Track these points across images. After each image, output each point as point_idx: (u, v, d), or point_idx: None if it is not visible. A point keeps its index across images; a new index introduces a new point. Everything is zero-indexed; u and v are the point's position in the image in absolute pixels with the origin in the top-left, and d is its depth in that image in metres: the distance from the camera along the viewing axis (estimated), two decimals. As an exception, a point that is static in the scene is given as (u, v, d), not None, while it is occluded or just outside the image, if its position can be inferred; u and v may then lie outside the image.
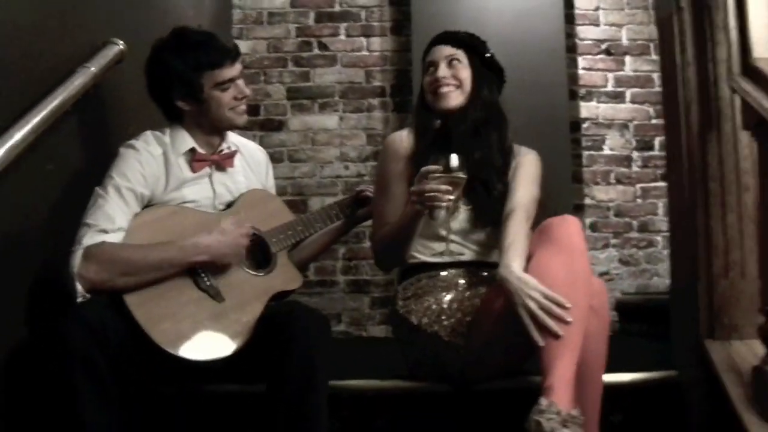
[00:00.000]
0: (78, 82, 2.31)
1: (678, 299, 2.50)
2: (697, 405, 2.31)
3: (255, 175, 2.49)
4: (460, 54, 2.44)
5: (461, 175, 2.12)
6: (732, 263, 2.25)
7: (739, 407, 2.02)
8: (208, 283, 2.15)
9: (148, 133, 2.32)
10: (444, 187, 2.10)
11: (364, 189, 2.59)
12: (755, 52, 2.15)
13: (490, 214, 2.36)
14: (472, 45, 2.47)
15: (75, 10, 2.44)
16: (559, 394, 1.85)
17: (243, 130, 4.06)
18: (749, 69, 2.14)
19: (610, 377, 2.34)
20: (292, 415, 2.02)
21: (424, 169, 2.14)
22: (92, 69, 2.38)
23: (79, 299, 2.03)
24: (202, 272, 2.16)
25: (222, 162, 2.37)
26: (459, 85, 2.42)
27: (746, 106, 2.12)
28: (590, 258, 4.12)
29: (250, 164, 2.49)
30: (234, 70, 2.32)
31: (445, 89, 2.41)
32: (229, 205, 2.35)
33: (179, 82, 2.27)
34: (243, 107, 2.35)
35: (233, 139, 2.45)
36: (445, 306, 2.28)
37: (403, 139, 2.47)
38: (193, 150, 2.32)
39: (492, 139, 2.42)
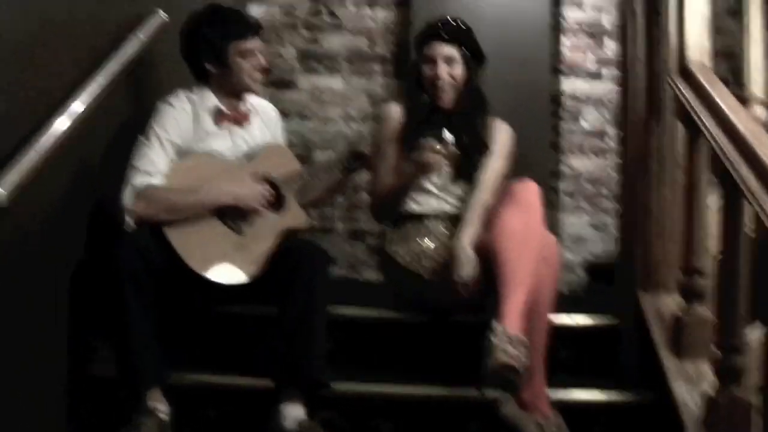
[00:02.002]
0: (130, 49, 2.61)
1: (622, 257, 2.87)
2: (630, 346, 2.69)
3: (268, 130, 2.85)
4: (456, 53, 2.76)
5: (454, 148, 2.55)
6: (664, 229, 2.63)
7: (659, 347, 2.45)
8: (231, 220, 2.57)
9: (180, 91, 2.68)
10: (437, 159, 2.54)
11: (359, 146, 2.96)
12: (689, 54, 2.50)
13: (468, 175, 2.77)
14: (466, 41, 2.79)
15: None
16: (510, 320, 2.24)
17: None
18: (683, 69, 2.50)
19: (560, 319, 2.75)
20: (296, 333, 2.41)
21: (423, 141, 2.55)
22: (141, 37, 2.69)
23: (127, 228, 2.44)
24: (227, 212, 2.56)
25: (240, 119, 2.74)
26: (454, 82, 2.77)
27: (678, 101, 2.48)
28: (564, 221, 4.57)
29: (264, 121, 2.85)
30: (255, 42, 2.70)
31: (443, 86, 2.76)
32: (248, 156, 2.72)
33: (208, 47, 2.64)
34: (259, 76, 2.72)
35: (250, 99, 2.81)
36: (425, 249, 2.69)
37: (398, 110, 2.86)
38: (217, 108, 2.69)
39: (478, 124, 2.81)
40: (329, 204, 4.53)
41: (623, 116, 2.86)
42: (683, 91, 2.45)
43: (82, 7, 2.44)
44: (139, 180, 2.48)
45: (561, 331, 2.75)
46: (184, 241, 2.46)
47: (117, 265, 2.33)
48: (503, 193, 2.58)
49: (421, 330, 2.79)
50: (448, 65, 2.77)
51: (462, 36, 2.81)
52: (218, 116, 2.69)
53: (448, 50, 2.78)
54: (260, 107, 2.87)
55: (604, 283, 4.06)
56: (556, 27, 4.68)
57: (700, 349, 2.34)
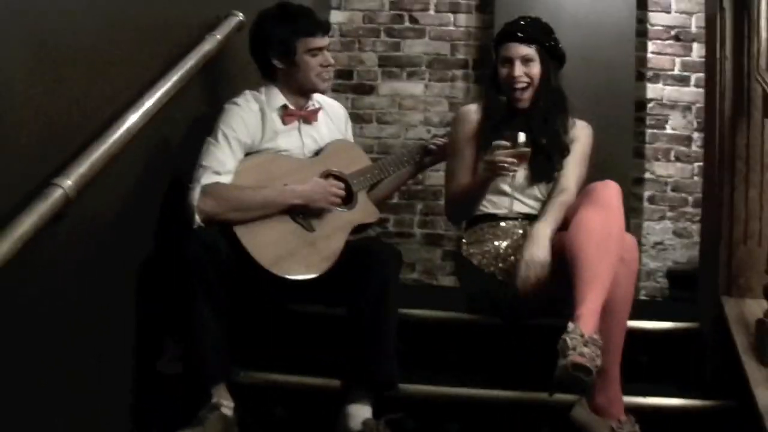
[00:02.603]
0: (206, 48, 2.66)
1: (705, 261, 2.80)
2: (712, 352, 2.60)
3: (336, 128, 2.86)
4: (533, 53, 2.73)
5: (526, 149, 2.50)
6: (751, 232, 2.56)
7: (742, 353, 2.35)
8: (302, 217, 2.57)
9: (247, 92, 2.70)
10: (511, 159, 2.49)
11: (430, 142, 2.95)
12: (779, 50, 2.44)
13: (547, 176, 2.74)
14: (543, 41, 2.76)
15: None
16: (584, 321, 2.18)
17: (336, 92, 4.50)
18: (773, 65, 2.43)
19: (641, 324, 2.72)
20: (366, 333, 2.41)
21: (495, 142, 2.52)
22: (218, 36, 2.74)
23: (195, 227, 2.45)
24: (297, 208, 2.56)
25: (308, 116, 2.76)
26: (531, 82, 2.74)
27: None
28: (647, 228, 4.49)
29: (332, 118, 2.87)
30: (324, 41, 2.71)
31: (519, 87, 2.73)
32: (317, 153, 2.74)
33: (277, 44, 2.66)
34: (327, 75, 2.74)
35: (317, 97, 2.83)
36: (501, 251, 2.65)
37: (474, 111, 2.84)
38: (284, 106, 2.70)
39: (558, 123, 2.77)
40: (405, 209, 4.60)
41: (709, 116, 2.80)
42: (772, 87, 2.37)
43: (161, 11, 2.50)
44: (207, 178, 2.49)
45: (641, 335, 2.72)
46: (254, 239, 2.47)
47: (185, 261, 2.35)
48: (583, 193, 2.54)
49: (494, 332, 2.77)
50: (525, 65, 2.75)
51: (538, 34, 2.78)
52: (286, 114, 2.71)
53: (525, 50, 2.75)
54: (328, 105, 2.88)
55: (685, 291, 4.01)
56: (642, 31, 4.60)
57: (787, 356, 2.25)
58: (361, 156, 2.87)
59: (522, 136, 2.50)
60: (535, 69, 2.75)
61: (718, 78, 2.68)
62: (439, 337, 2.81)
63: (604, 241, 2.34)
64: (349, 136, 2.94)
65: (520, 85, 2.74)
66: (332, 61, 2.74)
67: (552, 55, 2.79)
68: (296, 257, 2.52)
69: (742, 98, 2.60)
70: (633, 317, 2.61)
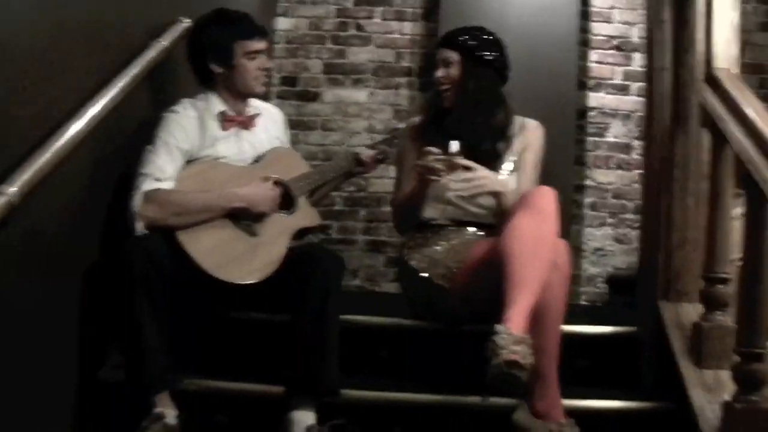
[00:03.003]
0: (152, 54, 2.65)
1: (643, 267, 2.85)
2: (649, 355, 2.67)
3: (274, 132, 2.87)
4: (454, 57, 2.80)
5: (457, 157, 2.54)
6: (687, 239, 2.61)
7: (678, 355, 2.42)
8: (244, 222, 2.56)
9: (185, 100, 2.69)
10: (438, 165, 2.54)
11: (360, 153, 3.00)
12: (716, 62, 2.49)
13: None
14: (464, 46, 2.81)
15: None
16: (514, 321, 2.19)
17: (281, 99, 4.49)
18: (710, 77, 2.49)
19: (581, 328, 2.78)
20: (308, 339, 2.41)
21: (426, 148, 2.58)
22: (163, 43, 2.73)
23: (138, 234, 2.43)
24: (239, 215, 2.55)
25: (247, 122, 2.76)
26: (451, 84, 2.81)
27: (704, 108, 2.47)
28: (587, 234, 4.56)
29: (270, 123, 2.87)
30: (261, 44, 2.72)
31: (441, 88, 2.83)
32: (257, 160, 2.74)
33: (215, 48, 2.66)
34: (264, 78, 2.75)
35: (255, 103, 2.83)
36: (438, 256, 2.70)
37: (415, 122, 2.94)
38: (223, 112, 2.70)
39: (478, 123, 2.79)
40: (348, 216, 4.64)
41: (648, 125, 2.85)
42: (709, 99, 2.44)
43: (107, 16, 2.47)
44: (147, 185, 2.48)
45: (582, 340, 2.78)
46: (197, 244, 2.46)
47: (127, 268, 2.33)
48: (518, 199, 2.56)
49: (436, 338, 2.79)
50: (446, 67, 2.83)
51: (460, 40, 2.84)
52: (225, 120, 2.71)
53: (446, 53, 2.84)
54: (265, 110, 2.89)
55: (625, 296, 4.04)
56: (585, 41, 4.69)
57: (721, 358, 2.31)
58: (301, 162, 2.90)
59: (454, 146, 2.55)
60: (454, 72, 2.82)
61: (657, 88, 2.74)
62: (381, 343, 2.82)
63: (535, 245, 2.36)
64: (286, 140, 2.95)
65: (442, 87, 2.83)
66: (270, 64, 2.77)
67: (477, 60, 2.82)
68: (239, 262, 2.51)
69: (680, 108, 2.65)
70: (573, 322, 2.71)
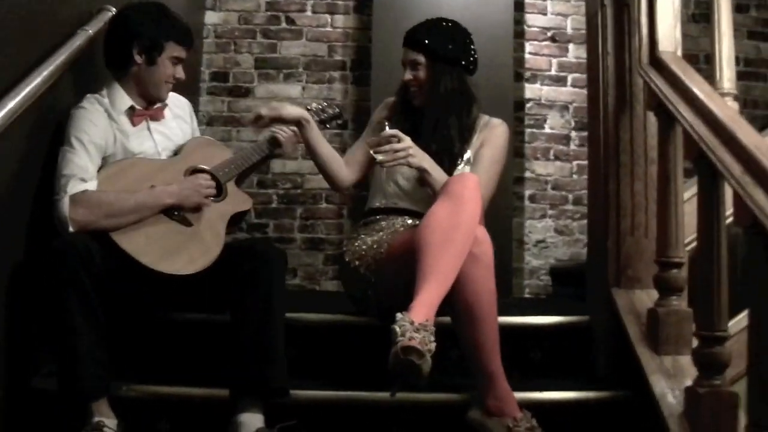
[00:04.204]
0: (77, 43, 2.56)
1: (593, 255, 2.82)
2: (604, 344, 2.63)
3: (183, 119, 2.83)
4: (420, 58, 2.78)
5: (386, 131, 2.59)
6: (637, 224, 2.59)
7: (635, 343, 2.38)
8: (177, 214, 2.49)
9: (90, 96, 2.59)
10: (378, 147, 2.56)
11: (276, 133, 2.87)
12: (661, 45, 2.47)
13: None
14: (429, 46, 2.78)
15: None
16: (416, 310, 2.12)
17: (211, 95, 4.41)
18: (655, 60, 2.47)
19: (530, 319, 2.77)
20: (254, 339, 2.33)
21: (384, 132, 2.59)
22: (90, 32, 2.63)
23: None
24: (172, 207, 2.49)
25: (155, 114, 2.69)
26: (420, 86, 2.80)
27: (650, 91, 2.44)
28: (528, 227, 4.54)
29: (178, 112, 2.81)
30: (185, 53, 2.68)
31: (411, 90, 2.81)
32: (176, 153, 2.69)
33: (146, 38, 2.57)
34: (170, 87, 2.69)
35: None
36: (365, 246, 2.66)
37: (389, 104, 2.96)
38: (132, 107, 2.62)
39: (450, 127, 2.76)
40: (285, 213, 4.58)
41: (593, 112, 2.81)
42: (655, 81, 2.41)
43: (30, 4, 2.38)
44: (73, 187, 2.38)
45: (531, 331, 2.77)
46: (132, 240, 2.38)
47: (56, 268, 2.22)
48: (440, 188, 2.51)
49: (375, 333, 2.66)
50: (414, 69, 2.81)
51: (425, 40, 2.81)
52: (135, 116, 2.64)
53: (413, 55, 2.83)
54: (171, 100, 2.82)
55: (569, 287, 4.08)
56: (520, 32, 4.68)
57: (679, 343, 2.29)
58: (221, 149, 2.87)
59: (386, 130, 2.60)
60: (422, 74, 2.80)
61: (600, 74, 2.71)
62: (326, 340, 2.76)
63: (447, 232, 2.29)
64: (195, 126, 2.91)
65: (412, 89, 2.82)
66: (183, 76, 2.70)
67: (444, 59, 2.79)
68: (179, 252, 2.44)
69: (625, 93, 2.64)
70: (519, 314, 2.73)
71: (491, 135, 2.83)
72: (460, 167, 2.74)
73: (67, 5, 2.66)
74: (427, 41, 2.79)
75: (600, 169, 2.72)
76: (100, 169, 2.50)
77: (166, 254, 2.41)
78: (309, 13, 4.76)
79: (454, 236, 2.29)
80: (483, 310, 2.34)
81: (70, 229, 2.33)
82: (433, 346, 2.07)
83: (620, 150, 2.63)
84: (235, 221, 2.69)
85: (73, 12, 2.68)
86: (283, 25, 4.75)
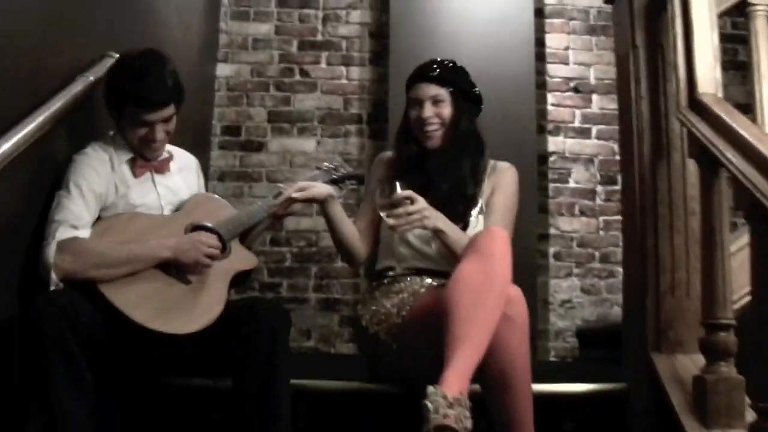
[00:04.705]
0: (77, 89, 2.44)
1: (629, 316, 2.61)
2: (644, 414, 2.40)
3: (189, 175, 2.67)
4: (444, 93, 2.59)
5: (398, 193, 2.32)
6: (678, 282, 2.38)
7: (680, 414, 2.15)
8: (175, 270, 2.31)
9: (94, 143, 2.47)
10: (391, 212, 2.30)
11: (281, 190, 2.66)
12: (700, 87, 2.27)
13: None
14: (454, 82, 2.62)
15: (76, 27, 2.58)
16: (449, 382, 1.90)
17: (223, 150, 4.28)
18: (695, 102, 2.27)
19: (562, 387, 2.57)
20: (256, 410, 2.14)
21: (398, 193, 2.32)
22: (90, 78, 2.52)
23: (53, 287, 2.14)
24: (170, 263, 2.30)
25: (160, 166, 2.54)
26: (442, 124, 2.59)
27: (692, 136, 2.26)
28: (553, 286, 4.35)
29: (183, 166, 2.66)
30: (154, 115, 2.41)
31: (430, 129, 2.59)
32: (178, 208, 2.53)
33: (108, 98, 2.44)
34: (159, 146, 2.49)
35: (168, 147, 2.60)
36: (384, 310, 2.44)
37: (387, 158, 2.72)
38: (133, 158, 2.48)
39: (464, 168, 2.58)
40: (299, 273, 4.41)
41: (626, 161, 2.63)
42: (697, 125, 2.22)
43: (32, 51, 2.29)
44: (62, 233, 2.22)
45: (563, 400, 2.56)
46: (124, 295, 2.19)
47: (38, 328, 2.01)
48: (467, 245, 2.29)
49: (398, 401, 2.50)
50: (435, 106, 2.60)
51: (449, 75, 2.64)
52: (137, 166, 2.49)
53: (435, 90, 2.61)
54: (178, 155, 2.67)
55: (597, 350, 3.93)
56: (541, 83, 4.59)
57: (731, 415, 2.05)
58: (225, 206, 2.68)
59: (398, 191, 2.33)
60: (446, 110, 2.60)
61: (634, 119, 2.54)
62: (339, 409, 2.55)
63: (479, 293, 2.08)
64: (201, 185, 2.75)
65: (431, 128, 2.59)
66: (160, 137, 2.45)
67: (465, 97, 2.64)
68: (177, 310, 2.25)
69: (661, 139, 2.47)
70: (547, 380, 2.51)
71: (501, 180, 2.66)
72: (473, 217, 2.55)
73: (71, 51, 2.56)
74: (451, 77, 2.63)
75: (636, 223, 2.53)
76: (97, 220, 2.35)
77: (162, 312, 2.22)
78: (323, 65, 4.70)
79: (487, 297, 2.08)
80: (518, 379, 2.13)
81: (53, 276, 2.15)
82: (469, 423, 1.87)
83: (658, 201, 2.44)
84: (239, 280, 2.51)
85: (75, 58, 2.57)
86: (297, 77, 4.68)
